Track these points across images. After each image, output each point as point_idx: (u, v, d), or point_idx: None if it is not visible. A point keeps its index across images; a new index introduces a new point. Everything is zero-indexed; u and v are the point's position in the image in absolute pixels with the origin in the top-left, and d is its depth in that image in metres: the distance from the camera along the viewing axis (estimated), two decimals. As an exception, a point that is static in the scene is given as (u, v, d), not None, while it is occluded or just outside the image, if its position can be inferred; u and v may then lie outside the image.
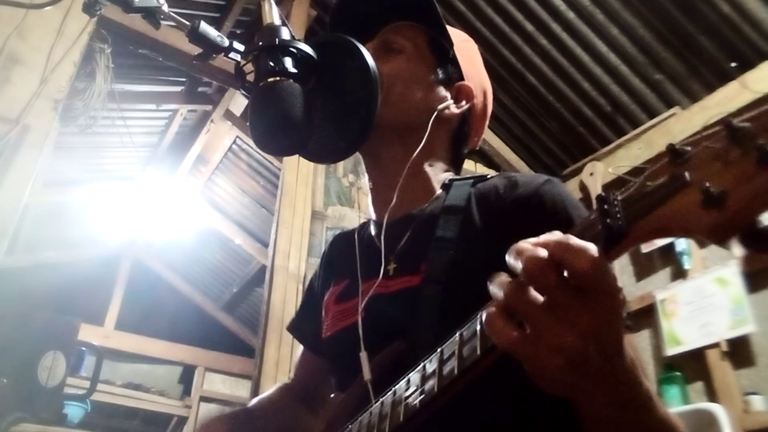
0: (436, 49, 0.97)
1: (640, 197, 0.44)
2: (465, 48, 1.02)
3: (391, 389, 0.66)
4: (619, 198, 0.46)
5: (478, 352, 0.52)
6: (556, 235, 0.47)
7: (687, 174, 0.41)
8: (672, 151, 0.43)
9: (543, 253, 0.45)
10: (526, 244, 0.47)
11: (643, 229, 0.44)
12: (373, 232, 0.96)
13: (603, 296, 0.45)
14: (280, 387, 1.11)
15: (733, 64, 2.61)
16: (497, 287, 0.48)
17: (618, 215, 0.45)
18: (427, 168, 0.94)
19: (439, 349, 0.59)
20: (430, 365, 0.60)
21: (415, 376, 0.62)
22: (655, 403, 0.55)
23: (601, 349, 0.46)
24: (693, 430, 1.29)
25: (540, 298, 0.46)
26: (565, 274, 0.45)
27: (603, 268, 0.44)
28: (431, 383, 0.58)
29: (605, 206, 0.45)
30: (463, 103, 0.97)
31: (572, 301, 0.44)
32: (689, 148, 0.42)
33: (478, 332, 0.53)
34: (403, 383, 0.64)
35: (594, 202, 0.47)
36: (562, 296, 0.45)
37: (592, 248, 0.44)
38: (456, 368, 0.55)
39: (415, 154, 0.89)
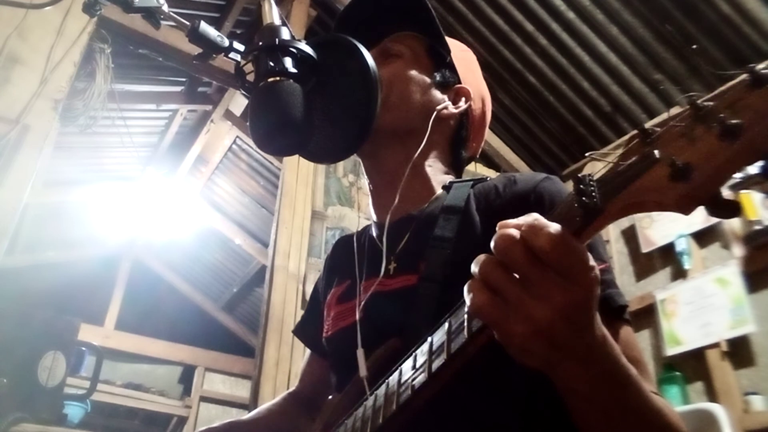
0: (434, 56, 0.99)
1: (614, 176, 0.47)
2: (463, 57, 1.04)
3: (383, 381, 0.67)
4: (594, 178, 0.48)
5: (465, 335, 0.54)
6: (530, 216, 0.49)
7: (656, 152, 0.44)
8: (642, 132, 0.46)
9: (514, 232, 0.48)
10: (504, 223, 0.50)
11: (617, 205, 0.46)
12: (374, 234, 0.97)
13: (571, 273, 0.47)
14: (285, 395, 1.13)
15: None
16: (475, 264, 0.50)
17: (593, 194, 0.47)
18: (426, 169, 0.95)
19: (429, 338, 0.60)
20: (421, 354, 0.61)
21: (406, 366, 0.63)
22: (638, 384, 0.55)
23: (570, 322, 0.47)
24: (693, 430, 1.29)
25: (514, 273, 0.48)
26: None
27: (565, 246, 0.46)
28: (422, 370, 0.59)
29: (581, 186, 0.47)
30: (461, 103, 0.98)
31: (542, 277, 0.47)
32: (658, 129, 0.45)
33: (465, 318, 0.55)
34: (395, 374, 0.65)
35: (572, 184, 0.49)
36: (532, 272, 0.47)
37: (553, 227, 0.47)
38: (445, 353, 0.56)
39: (416, 155, 0.90)
